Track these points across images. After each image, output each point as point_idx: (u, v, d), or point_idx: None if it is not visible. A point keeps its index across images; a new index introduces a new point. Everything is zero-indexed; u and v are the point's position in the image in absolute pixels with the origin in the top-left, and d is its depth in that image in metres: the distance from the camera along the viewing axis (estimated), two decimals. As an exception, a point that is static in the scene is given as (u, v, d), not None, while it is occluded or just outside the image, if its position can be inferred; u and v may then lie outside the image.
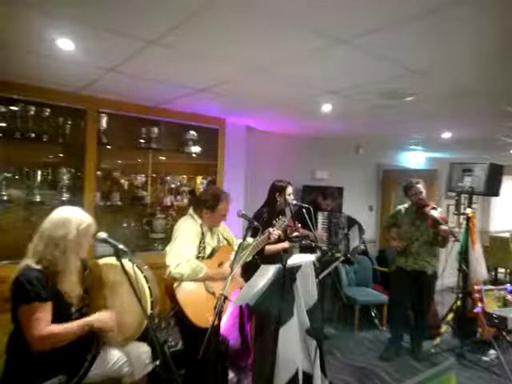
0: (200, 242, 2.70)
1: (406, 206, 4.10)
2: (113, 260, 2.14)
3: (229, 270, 2.40)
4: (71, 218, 2.04)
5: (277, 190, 3.53)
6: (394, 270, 4.10)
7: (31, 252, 2.00)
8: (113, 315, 2.12)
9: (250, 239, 2.94)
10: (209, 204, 2.75)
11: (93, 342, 2.13)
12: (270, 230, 2.97)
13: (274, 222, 3.07)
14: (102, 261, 2.25)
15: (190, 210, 2.84)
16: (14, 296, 1.92)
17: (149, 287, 2.19)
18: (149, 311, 2.14)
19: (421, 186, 3.85)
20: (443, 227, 3.70)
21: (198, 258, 2.64)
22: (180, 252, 2.56)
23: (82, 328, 2.00)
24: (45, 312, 1.90)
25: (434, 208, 3.82)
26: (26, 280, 1.89)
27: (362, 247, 4.54)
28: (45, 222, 2.04)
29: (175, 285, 2.54)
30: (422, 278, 3.88)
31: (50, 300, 1.93)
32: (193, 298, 2.55)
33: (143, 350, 2.30)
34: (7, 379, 1.95)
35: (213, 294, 2.58)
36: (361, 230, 4.08)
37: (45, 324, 1.89)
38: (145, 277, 2.20)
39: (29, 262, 1.96)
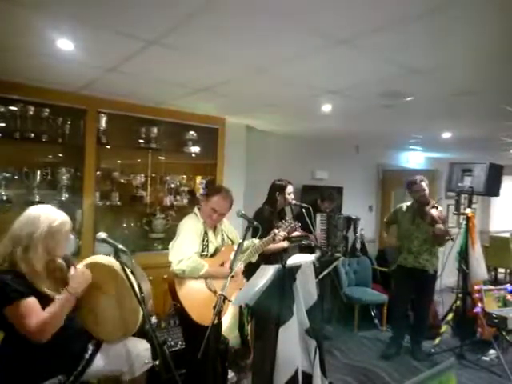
0: (203, 240, 2.71)
1: (408, 203, 4.11)
2: (98, 258, 2.14)
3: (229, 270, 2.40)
4: (40, 215, 1.98)
5: (277, 189, 3.54)
6: (395, 269, 4.10)
7: (0, 254, 1.94)
8: (85, 271, 2.05)
9: (255, 240, 2.93)
10: (208, 192, 2.85)
11: (91, 340, 2.14)
12: (276, 231, 2.96)
13: (280, 223, 3.06)
14: (87, 260, 2.23)
15: (195, 209, 2.86)
16: None
17: (137, 283, 2.16)
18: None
19: (424, 184, 3.85)
20: (438, 226, 3.71)
21: (201, 256, 2.65)
22: (182, 249, 2.58)
23: (65, 303, 1.94)
24: (32, 306, 1.87)
25: (434, 207, 3.82)
26: (3, 283, 1.85)
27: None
28: (14, 223, 1.98)
29: (177, 282, 2.55)
30: (423, 276, 3.89)
31: (32, 295, 1.89)
32: (194, 296, 2.57)
33: (143, 347, 2.29)
34: (5, 378, 1.94)
35: (214, 292, 2.59)
36: (355, 223, 4.09)
37: (36, 315, 1.86)
38: (131, 272, 2.18)
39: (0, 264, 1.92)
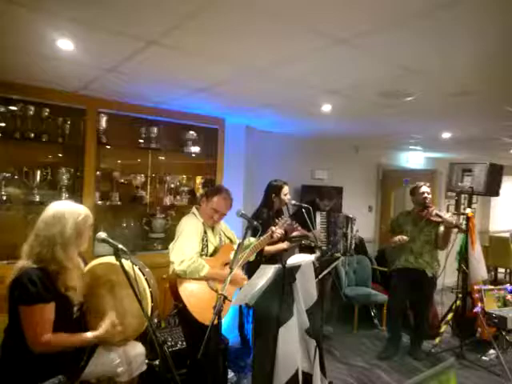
0: (202, 240, 2.72)
1: (408, 210, 4.19)
2: (114, 259, 2.14)
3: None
4: (65, 212, 2.00)
5: (273, 190, 3.53)
6: (395, 270, 4.11)
7: (27, 253, 1.95)
8: (117, 327, 2.10)
9: (252, 239, 2.95)
10: (208, 193, 2.86)
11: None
12: (273, 228, 2.97)
13: (277, 220, 3.08)
14: (102, 259, 2.24)
15: (193, 209, 2.87)
16: (15, 297, 1.89)
17: (150, 291, 2.18)
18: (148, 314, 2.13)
19: (427, 187, 3.95)
20: (449, 218, 3.73)
21: (200, 256, 2.66)
22: (183, 249, 2.58)
23: (85, 343, 2.00)
24: (47, 314, 1.89)
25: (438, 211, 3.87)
26: (29, 281, 1.85)
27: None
28: (39, 221, 1.99)
29: (179, 283, 2.56)
30: (424, 278, 3.89)
31: (52, 300, 1.91)
32: (196, 296, 2.58)
33: (139, 350, 2.30)
34: (4, 377, 1.94)
35: (216, 291, 2.60)
36: (352, 223, 4.11)
37: (48, 326, 1.87)
38: (146, 280, 2.19)
39: (26, 263, 1.92)
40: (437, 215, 3.78)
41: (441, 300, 4.49)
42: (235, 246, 2.90)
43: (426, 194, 3.90)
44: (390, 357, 3.98)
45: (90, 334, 2.02)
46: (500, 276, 7.60)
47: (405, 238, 3.86)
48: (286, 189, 3.53)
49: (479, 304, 4.09)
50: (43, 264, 1.93)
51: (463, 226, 4.21)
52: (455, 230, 3.93)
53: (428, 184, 4.02)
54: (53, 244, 1.94)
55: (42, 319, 1.86)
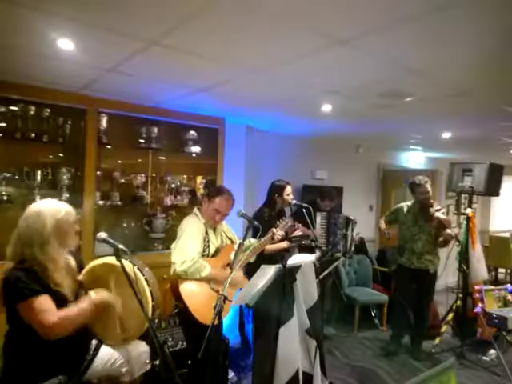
0: (204, 241, 2.72)
1: (408, 203, 4.10)
2: (114, 260, 2.13)
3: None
4: (44, 210, 1.97)
5: (276, 190, 3.54)
6: (396, 269, 4.10)
7: (12, 254, 1.93)
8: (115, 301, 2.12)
9: (252, 240, 2.95)
10: (209, 193, 2.86)
11: (92, 341, 2.14)
12: (274, 230, 2.97)
13: (278, 222, 3.08)
14: (102, 260, 2.24)
15: (195, 210, 2.87)
16: (8, 298, 1.88)
17: (150, 291, 2.17)
18: (149, 314, 2.12)
19: (428, 186, 3.86)
20: (448, 231, 3.72)
21: (202, 256, 2.66)
22: (185, 250, 2.59)
23: (90, 307, 2.00)
24: (46, 302, 1.87)
25: (438, 210, 3.82)
26: (16, 279, 1.85)
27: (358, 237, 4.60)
28: (20, 222, 1.97)
29: (180, 283, 2.56)
30: (425, 276, 3.89)
31: (45, 293, 1.89)
32: (198, 296, 2.58)
33: (142, 349, 2.30)
34: (6, 379, 1.94)
35: (217, 291, 2.60)
36: (353, 224, 4.11)
37: (52, 312, 1.87)
38: (146, 279, 2.19)
39: (11, 264, 1.91)
40: (439, 222, 3.74)
41: (441, 300, 4.49)
42: (236, 247, 2.90)
43: (426, 195, 3.84)
44: (392, 353, 3.99)
45: (93, 295, 2.04)
46: (500, 276, 7.59)
47: (391, 231, 4.03)
48: (288, 189, 3.54)
49: (480, 304, 4.09)
50: (28, 264, 1.91)
51: (463, 226, 4.22)
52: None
53: (427, 180, 3.91)
54: (33, 243, 1.91)
55: (43, 308, 1.85)
